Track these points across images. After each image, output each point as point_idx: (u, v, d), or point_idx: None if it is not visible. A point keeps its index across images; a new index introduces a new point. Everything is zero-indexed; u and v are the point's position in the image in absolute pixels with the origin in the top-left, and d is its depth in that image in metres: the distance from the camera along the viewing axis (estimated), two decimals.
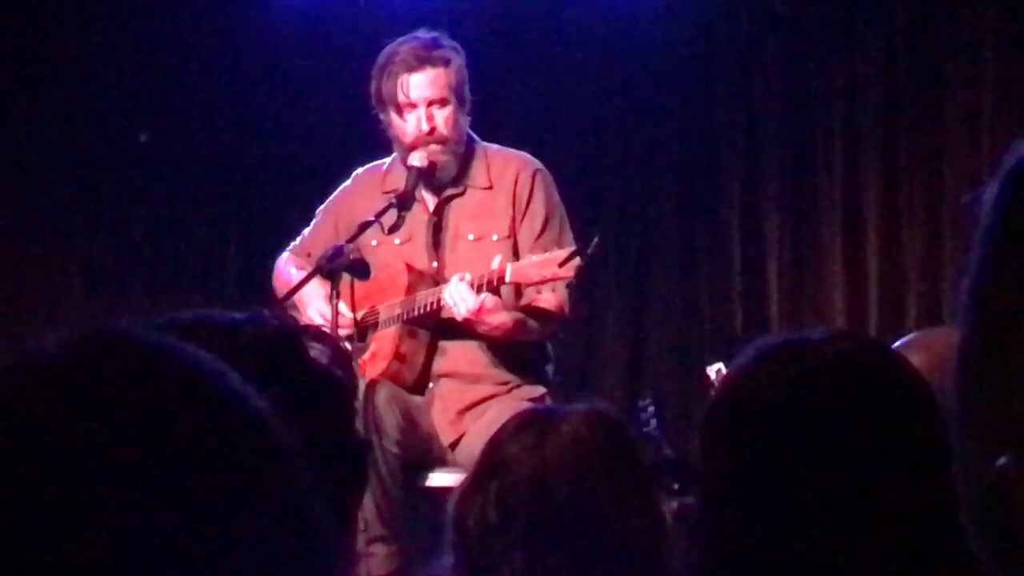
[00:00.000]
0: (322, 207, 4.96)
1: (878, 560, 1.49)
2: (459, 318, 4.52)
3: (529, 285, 4.55)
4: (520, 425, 2.30)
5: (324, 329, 4.24)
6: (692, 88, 6.66)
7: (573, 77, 6.66)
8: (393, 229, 4.67)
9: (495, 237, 4.68)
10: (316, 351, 1.47)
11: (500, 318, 4.59)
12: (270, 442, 0.94)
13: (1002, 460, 0.75)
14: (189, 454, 0.89)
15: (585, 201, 5.79)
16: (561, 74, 6.66)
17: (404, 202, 4.66)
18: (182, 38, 6.63)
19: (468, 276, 4.52)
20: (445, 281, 4.63)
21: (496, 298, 4.55)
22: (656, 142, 6.71)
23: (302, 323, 4.13)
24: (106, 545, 0.85)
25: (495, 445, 2.29)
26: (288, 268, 4.91)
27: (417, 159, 4.70)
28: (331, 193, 4.96)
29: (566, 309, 4.73)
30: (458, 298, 4.49)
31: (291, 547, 0.92)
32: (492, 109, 5.09)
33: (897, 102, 6.35)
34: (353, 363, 4.43)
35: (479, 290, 4.50)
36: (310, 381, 1.46)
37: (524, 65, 6.65)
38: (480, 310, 4.50)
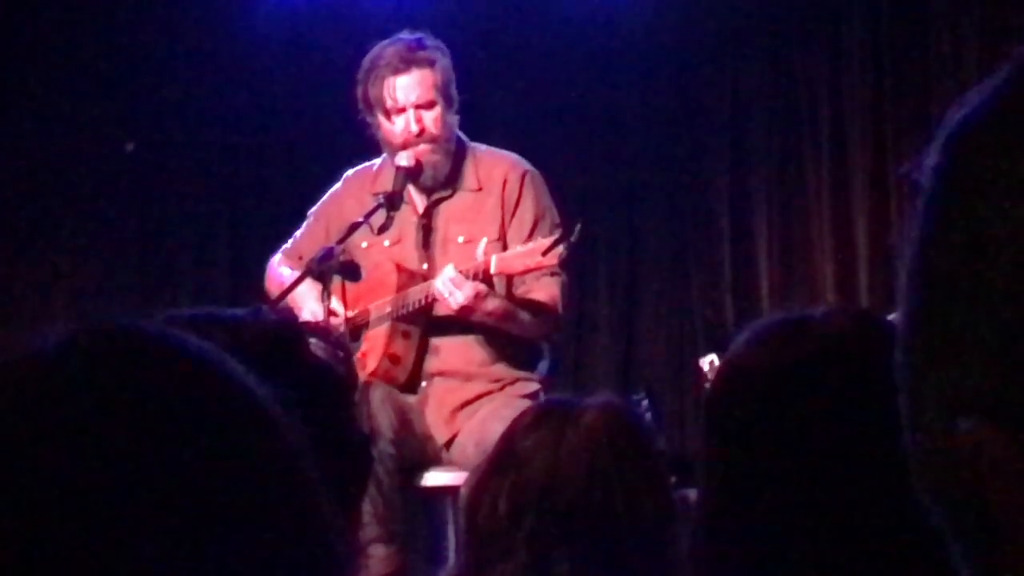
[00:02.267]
0: (313, 209, 4.95)
1: (890, 543, 1.46)
2: (454, 307, 4.50)
3: (515, 275, 4.53)
4: (537, 418, 2.26)
5: (325, 325, 4.23)
6: (678, 79, 6.66)
7: (559, 75, 6.66)
8: (382, 229, 4.66)
9: (485, 239, 4.66)
10: (317, 347, 1.46)
11: (494, 303, 4.56)
12: (277, 434, 0.93)
13: (965, 423, 0.74)
14: (196, 446, 0.88)
15: (574, 198, 5.79)
16: (547, 72, 6.67)
17: (392, 202, 4.64)
18: (170, 42, 6.64)
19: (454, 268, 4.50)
20: None
21: (486, 286, 4.52)
22: (643, 138, 6.72)
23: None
24: (111, 539, 0.84)
25: (511, 437, 2.25)
26: (280, 270, 4.90)
27: (404, 159, 4.68)
28: (322, 194, 4.95)
29: (559, 302, 4.71)
30: (452, 288, 4.47)
31: (299, 541, 0.91)
32: (479, 109, 5.08)
33: (883, 82, 6.35)
34: (353, 359, 4.42)
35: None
36: (311, 376, 1.45)
37: (510, 65, 6.65)
38: (476, 296, 4.48)
